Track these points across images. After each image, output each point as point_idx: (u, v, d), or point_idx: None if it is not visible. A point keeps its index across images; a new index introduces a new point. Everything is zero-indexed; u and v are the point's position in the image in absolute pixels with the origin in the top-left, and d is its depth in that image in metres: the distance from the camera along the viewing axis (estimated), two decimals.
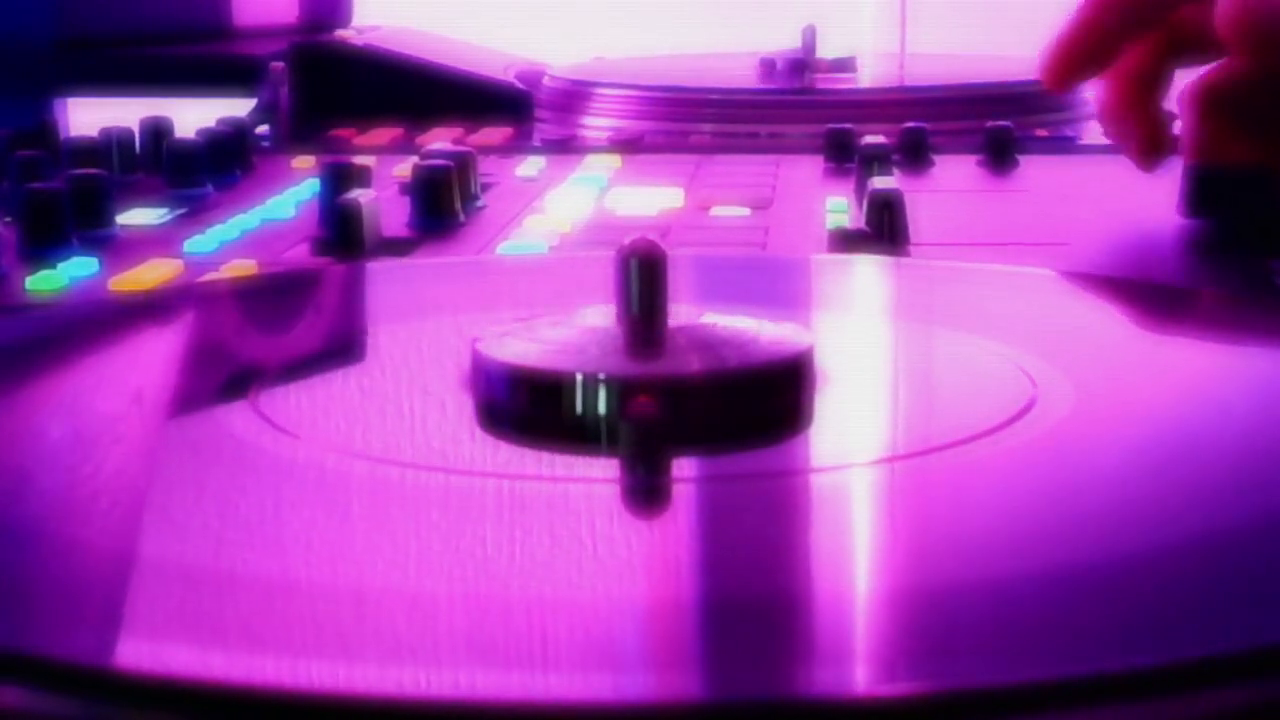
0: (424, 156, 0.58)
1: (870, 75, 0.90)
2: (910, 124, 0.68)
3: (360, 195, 0.52)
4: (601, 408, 0.30)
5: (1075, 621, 0.23)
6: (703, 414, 0.31)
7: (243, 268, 0.49)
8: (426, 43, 0.94)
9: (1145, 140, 0.56)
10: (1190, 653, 0.21)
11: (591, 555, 0.26)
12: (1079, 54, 0.57)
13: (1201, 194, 0.53)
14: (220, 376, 0.37)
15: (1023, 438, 0.30)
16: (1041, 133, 0.76)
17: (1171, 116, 0.57)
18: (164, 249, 0.52)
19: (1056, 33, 0.57)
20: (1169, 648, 0.22)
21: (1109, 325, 0.39)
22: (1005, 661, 0.22)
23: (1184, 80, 0.56)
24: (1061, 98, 0.81)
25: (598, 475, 0.30)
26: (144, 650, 0.23)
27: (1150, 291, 0.43)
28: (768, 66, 0.88)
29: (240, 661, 0.22)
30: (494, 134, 0.78)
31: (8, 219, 0.52)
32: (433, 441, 0.32)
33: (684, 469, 0.30)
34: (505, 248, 0.52)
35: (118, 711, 0.21)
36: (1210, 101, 0.54)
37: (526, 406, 0.31)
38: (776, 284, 0.45)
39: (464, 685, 0.22)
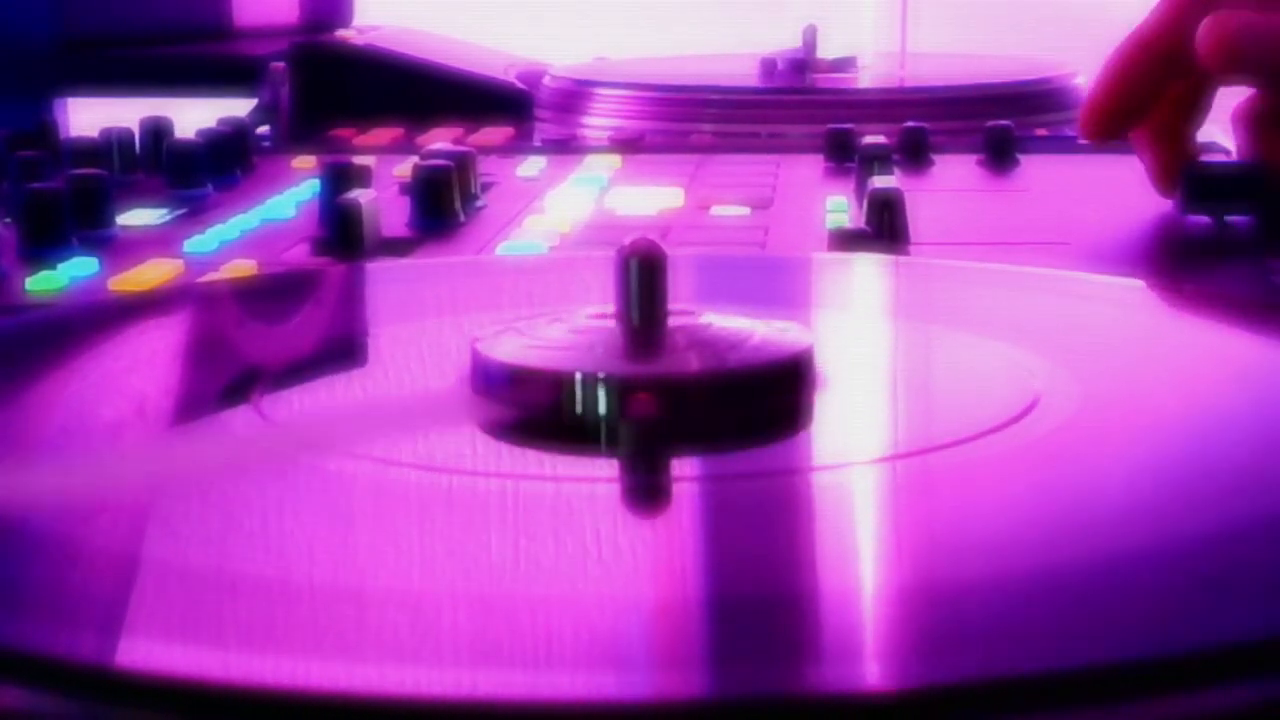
0: (424, 156, 0.58)
1: (871, 75, 0.90)
2: (910, 123, 0.68)
3: (360, 195, 0.52)
4: (601, 407, 0.30)
5: (1078, 616, 0.23)
6: (702, 413, 0.31)
7: (243, 268, 0.49)
8: (427, 42, 0.94)
9: (1173, 170, 0.56)
10: (1195, 647, 0.21)
11: (592, 555, 0.26)
12: (1118, 109, 0.56)
13: (1200, 192, 0.53)
14: (220, 377, 0.37)
15: (1024, 437, 0.30)
16: (1041, 132, 0.76)
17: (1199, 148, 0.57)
18: (164, 249, 0.52)
19: (1092, 87, 0.57)
20: (1172, 642, 0.22)
21: (1109, 324, 0.39)
22: (1008, 656, 0.22)
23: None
24: (1060, 97, 0.81)
25: (598, 475, 0.30)
26: (143, 650, 0.23)
27: (1151, 290, 0.43)
28: (768, 66, 0.88)
29: (240, 662, 0.22)
30: (494, 134, 0.78)
31: (8, 219, 0.52)
32: (432, 441, 0.32)
33: (683, 468, 0.30)
34: (505, 248, 0.52)
35: (117, 711, 0.21)
36: (1253, 121, 0.56)
37: (526, 406, 0.31)
38: (776, 283, 0.45)
39: (466, 685, 0.22)
